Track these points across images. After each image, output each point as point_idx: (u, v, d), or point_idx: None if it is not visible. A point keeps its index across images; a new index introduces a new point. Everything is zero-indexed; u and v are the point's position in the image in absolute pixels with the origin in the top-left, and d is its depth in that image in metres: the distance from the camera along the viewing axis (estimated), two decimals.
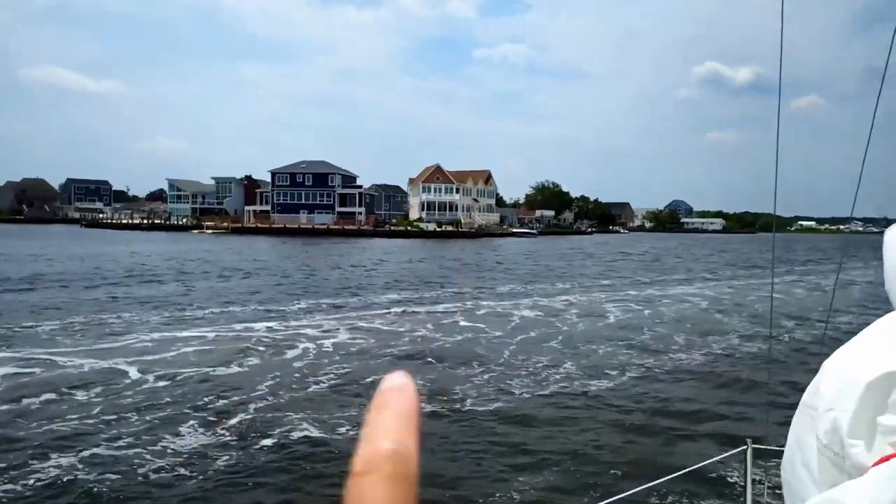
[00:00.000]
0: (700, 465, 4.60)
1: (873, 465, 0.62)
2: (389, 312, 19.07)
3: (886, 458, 0.62)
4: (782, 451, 0.85)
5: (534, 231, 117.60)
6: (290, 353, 13.23)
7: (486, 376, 11.72)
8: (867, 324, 0.78)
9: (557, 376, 11.79)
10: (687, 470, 4.41)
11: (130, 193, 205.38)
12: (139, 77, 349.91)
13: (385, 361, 12.72)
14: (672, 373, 12.45)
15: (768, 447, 3.41)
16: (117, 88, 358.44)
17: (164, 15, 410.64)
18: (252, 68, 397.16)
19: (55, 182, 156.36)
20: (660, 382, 11.67)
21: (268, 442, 8.13)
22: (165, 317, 17.43)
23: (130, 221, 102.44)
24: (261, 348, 13.67)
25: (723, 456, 4.42)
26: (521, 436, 8.58)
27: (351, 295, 23.36)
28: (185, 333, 15.08)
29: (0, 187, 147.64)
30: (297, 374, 11.52)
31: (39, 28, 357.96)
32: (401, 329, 16.53)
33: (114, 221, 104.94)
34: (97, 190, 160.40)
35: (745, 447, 3.48)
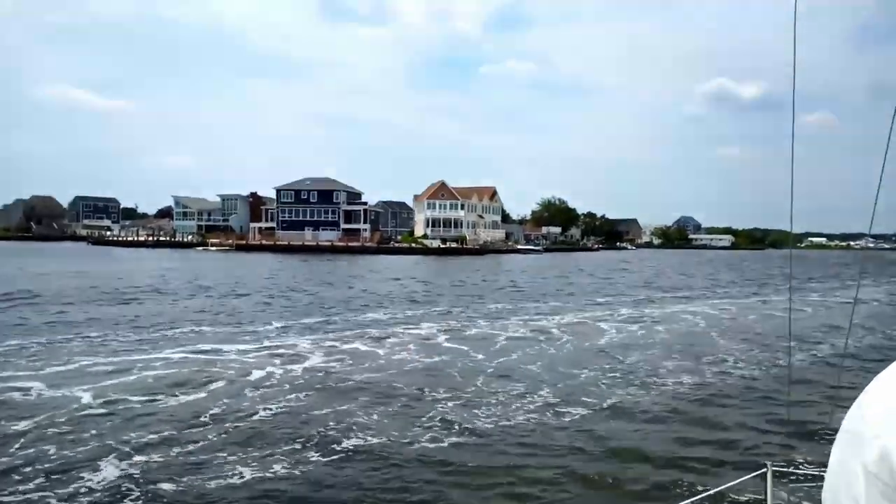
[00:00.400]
0: (719, 488, 4.37)
1: None
2: (368, 334, 18.31)
3: None
4: (804, 474, 0.79)
5: (539, 248, 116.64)
6: (246, 381, 12.48)
7: (498, 395, 10.97)
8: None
9: (560, 401, 11.32)
10: (705, 494, 4.31)
11: (140, 211, 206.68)
12: (148, 95, 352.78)
13: (348, 388, 11.96)
14: (682, 395, 11.96)
15: (789, 469, 3.50)
16: (126, 106, 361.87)
17: (172, 33, 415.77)
18: (260, 85, 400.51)
19: (64, 200, 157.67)
20: (671, 404, 11.22)
21: (168, 487, 7.27)
22: (131, 340, 16.75)
23: (136, 239, 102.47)
24: (220, 373, 12.93)
25: (742, 479, 4.15)
26: (534, 460, 8.30)
27: (335, 314, 22.64)
28: (146, 356, 14.39)
29: (8, 205, 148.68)
30: (243, 405, 10.74)
31: (51, 46, 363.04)
32: (378, 351, 15.77)
33: (119, 239, 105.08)
34: (105, 208, 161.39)
35: (764, 470, 3.32)
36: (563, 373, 13.66)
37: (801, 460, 7.44)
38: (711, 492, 4.34)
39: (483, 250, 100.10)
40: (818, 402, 10.78)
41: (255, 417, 10.00)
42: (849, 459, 0.76)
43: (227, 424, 9.58)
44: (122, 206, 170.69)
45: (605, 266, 65.66)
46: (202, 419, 9.80)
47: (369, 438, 8.98)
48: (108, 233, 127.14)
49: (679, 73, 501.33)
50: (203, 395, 11.31)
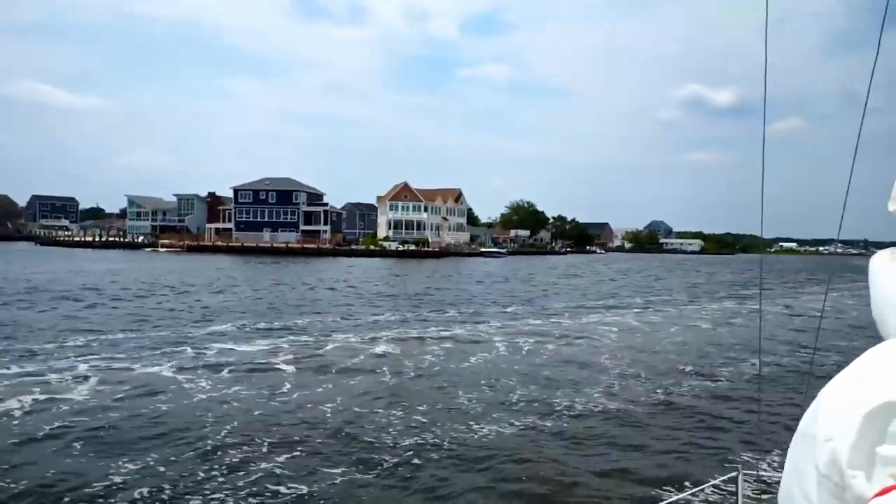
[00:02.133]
0: (690, 492, 4.57)
1: (874, 497, 0.62)
2: (272, 345, 16.33)
3: (887, 490, 0.61)
4: (774, 478, 0.81)
5: (503, 251, 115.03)
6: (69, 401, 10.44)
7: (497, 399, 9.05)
8: (854, 349, 0.76)
9: (527, 406, 11.11)
10: (677, 497, 4.57)
11: (109, 211, 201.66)
12: (119, 92, 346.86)
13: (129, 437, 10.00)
14: (650, 400, 11.71)
15: (759, 472, 3.30)
16: (95, 104, 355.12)
17: (147, 29, 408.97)
18: (235, 83, 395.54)
19: (27, 199, 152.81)
20: (640, 409, 11.02)
21: None
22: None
23: (82, 239, 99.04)
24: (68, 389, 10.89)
25: (713, 482, 4.16)
26: (498, 466, 8.13)
27: (228, 321, 20.62)
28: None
29: None
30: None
31: (21, 42, 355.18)
32: (275, 364, 13.83)
33: (67, 239, 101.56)
34: (63, 207, 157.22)
35: (735, 473, 3.30)
36: (547, 379, 11.89)
37: (772, 464, 7.45)
38: (684, 495, 4.46)
39: (444, 253, 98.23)
40: (788, 407, 10.85)
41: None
42: (803, 461, 0.77)
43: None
44: (89, 206, 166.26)
45: (557, 271, 64.26)
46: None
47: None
48: (65, 233, 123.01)
49: (654, 77, 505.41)
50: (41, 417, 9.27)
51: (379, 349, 16.28)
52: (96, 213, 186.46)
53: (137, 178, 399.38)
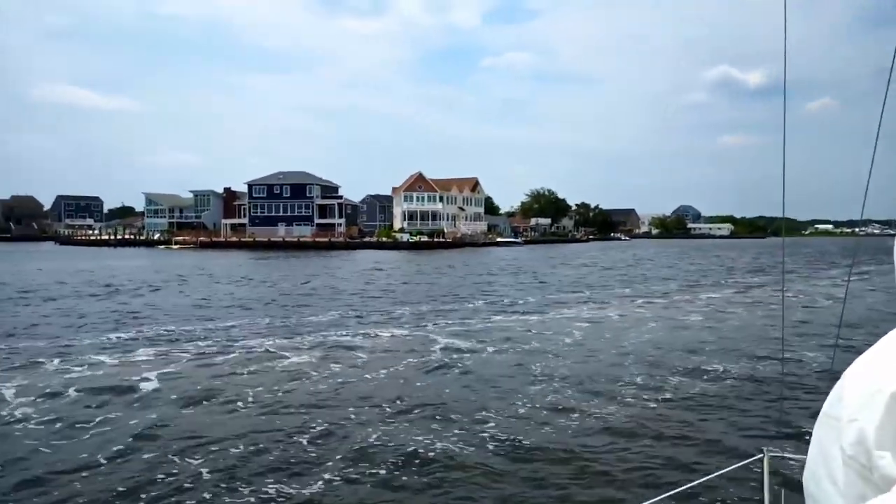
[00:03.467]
0: (714, 475, 4.46)
1: None
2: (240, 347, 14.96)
3: None
4: (800, 460, 0.81)
5: (519, 241, 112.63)
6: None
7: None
8: (880, 331, 0.76)
9: (549, 390, 11.08)
10: (700, 481, 4.44)
11: (138, 209, 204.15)
12: (146, 92, 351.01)
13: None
14: (677, 385, 11.47)
15: (785, 455, 3.31)
16: (125, 104, 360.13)
17: (172, 30, 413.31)
18: (260, 80, 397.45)
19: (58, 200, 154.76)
20: (664, 394, 10.87)
21: None
22: None
23: (99, 238, 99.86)
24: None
25: (738, 465, 3.97)
26: (520, 456, 8.01)
27: (204, 319, 19.34)
28: None
29: None
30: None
31: (52, 46, 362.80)
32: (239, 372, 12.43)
33: (85, 238, 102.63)
34: (87, 206, 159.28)
35: (761, 456, 3.36)
36: (573, 364, 10.32)
37: (799, 446, 6.83)
38: (708, 478, 4.40)
39: (458, 244, 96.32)
40: (814, 388, 10.68)
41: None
42: (828, 443, 0.75)
43: None
44: (119, 205, 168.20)
45: (556, 261, 62.23)
46: None
47: None
48: (90, 231, 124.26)
49: (682, 60, 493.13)
50: None
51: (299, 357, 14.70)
52: (125, 212, 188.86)
53: (165, 176, 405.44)
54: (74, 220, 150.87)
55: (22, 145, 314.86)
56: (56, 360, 13.25)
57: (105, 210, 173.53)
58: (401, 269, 45.93)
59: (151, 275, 38.58)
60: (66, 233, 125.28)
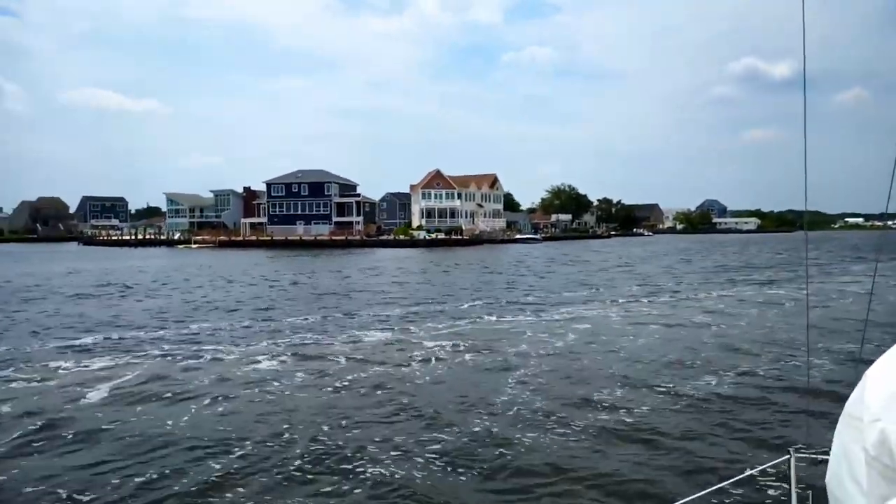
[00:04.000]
0: (740, 476, 4.32)
1: None
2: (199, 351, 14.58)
3: None
4: (828, 460, 0.84)
5: (537, 237, 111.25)
6: None
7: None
8: None
9: (571, 393, 10.86)
10: (726, 482, 4.34)
11: (164, 210, 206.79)
12: (173, 95, 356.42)
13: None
14: (700, 385, 11.24)
15: (813, 455, 3.22)
16: (152, 107, 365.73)
17: (196, 34, 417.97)
18: (284, 82, 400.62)
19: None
20: (688, 394, 10.65)
21: None
22: None
23: (120, 238, 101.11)
24: None
25: (764, 466, 3.90)
26: (548, 454, 7.97)
27: (177, 324, 19.02)
28: None
29: (16, 208, 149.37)
30: None
31: (79, 51, 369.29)
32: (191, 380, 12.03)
33: (106, 238, 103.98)
34: (113, 207, 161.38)
35: (787, 456, 3.31)
36: (599, 366, 9.78)
37: (827, 447, 5.21)
38: (735, 478, 4.26)
39: (475, 241, 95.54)
40: (841, 387, 10.44)
41: None
42: (850, 443, 0.74)
43: None
44: (146, 206, 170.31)
45: (569, 257, 61.18)
46: None
47: None
48: (115, 232, 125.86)
49: (707, 54, 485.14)
50: None
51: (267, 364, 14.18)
52: (151, 212, 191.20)
53: (190, 177, 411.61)
54: (100, 220, 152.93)
55: (50, 148, 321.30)
56: None
57: (133, 210, 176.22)
58: (402, 268, 45.38)
59: (136, 275, 38.55)
60: (91, 233, 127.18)
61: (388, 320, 19.22)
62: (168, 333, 16.95)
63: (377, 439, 8.48)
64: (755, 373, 12.13)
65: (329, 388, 11.19)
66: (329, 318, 19.82)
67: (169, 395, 10.75)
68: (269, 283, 33.05)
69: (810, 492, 3.44)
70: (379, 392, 10.88)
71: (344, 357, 13.79)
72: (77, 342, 15.66)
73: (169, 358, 13.72)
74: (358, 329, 17.50)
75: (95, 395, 10.73)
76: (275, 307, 22.63)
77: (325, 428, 8.98)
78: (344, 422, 9.24)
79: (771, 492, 6.41)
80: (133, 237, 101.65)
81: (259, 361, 13.31)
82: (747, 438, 8.47)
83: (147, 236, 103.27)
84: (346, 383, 11.54)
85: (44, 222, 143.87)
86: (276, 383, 11.50)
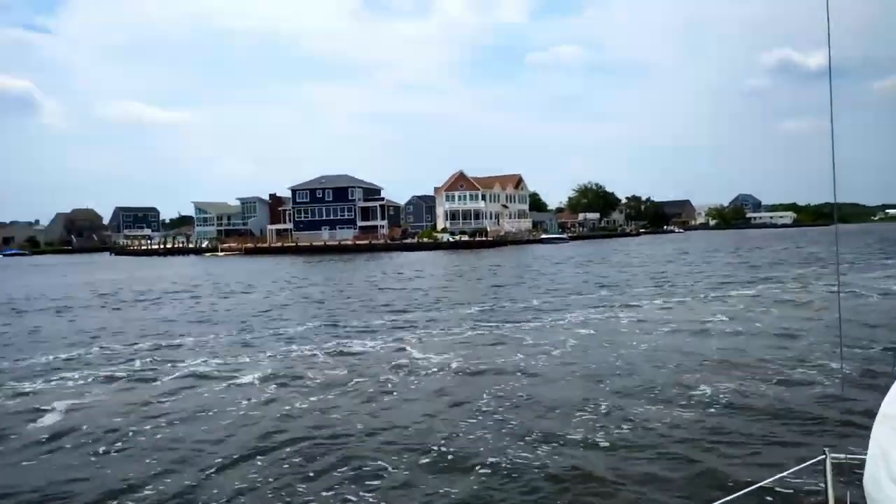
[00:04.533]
0: (774, 478, 4.32)
1: None
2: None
3: None
4: (864, 462, 0.76)
5: (563, 237, 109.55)
6: None
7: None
8: None
9: (613, 393, 10.81)
10: (760, 485, 4.49)
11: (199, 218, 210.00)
12: (207, 105, 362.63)
13: None
14: (733, 386, 10.93)
15: (849, 457, 3.17)
16: (184, 117, 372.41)
17: (228, 44, 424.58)
18: (315, 89, 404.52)
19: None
20: (722, 395, 10.43)
21: None
22: None
23: (149, 247, 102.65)
24: None
25: (799, 468, 3.81)
26: (579, 458, 7.92)
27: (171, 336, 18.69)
28: None
29: (51, 220, 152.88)
30: None
31: (112, 66, 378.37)
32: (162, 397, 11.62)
33: (137, 248, 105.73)
34: (145, 217, 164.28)
35: (823, 457, 3.23)
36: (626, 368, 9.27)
37: (863, 448, 4.69)
38: (769, 481, 4.31)
39: (500, 242, 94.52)
40: (876, 388, 10.00)
41: None
42: (887, 444, 0.71)
43: None
44: (179, 215, 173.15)
45: (575, 260, 59.83)
46: None
47: None
48: (147, 241, 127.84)
49: (739, 46, 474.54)
50: None
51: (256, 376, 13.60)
52: (183, 221, 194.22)
53: (221, 187, 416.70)
54: (132, 230, 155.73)
55: (84, 160, 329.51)
56: None
57: (165, 220, 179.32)
58: (415, 271, 44.74)
59: (159, 283, 38.60)
60: (124, 243, 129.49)
61: (376, 331, 18.57)
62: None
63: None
64: (786, 371, 11.84)
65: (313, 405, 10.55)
66: (320, 326, 19.28)
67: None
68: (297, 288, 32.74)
69: (847, 493, 3.31)
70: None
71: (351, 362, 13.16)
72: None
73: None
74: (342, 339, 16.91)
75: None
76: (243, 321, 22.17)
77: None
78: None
79: (806, 494, 6.29)
80: (161, 246, 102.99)
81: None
82: (780, 440, 8.32)
83: (176, 245, 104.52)
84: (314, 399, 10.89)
85: (78, 233, 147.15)
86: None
